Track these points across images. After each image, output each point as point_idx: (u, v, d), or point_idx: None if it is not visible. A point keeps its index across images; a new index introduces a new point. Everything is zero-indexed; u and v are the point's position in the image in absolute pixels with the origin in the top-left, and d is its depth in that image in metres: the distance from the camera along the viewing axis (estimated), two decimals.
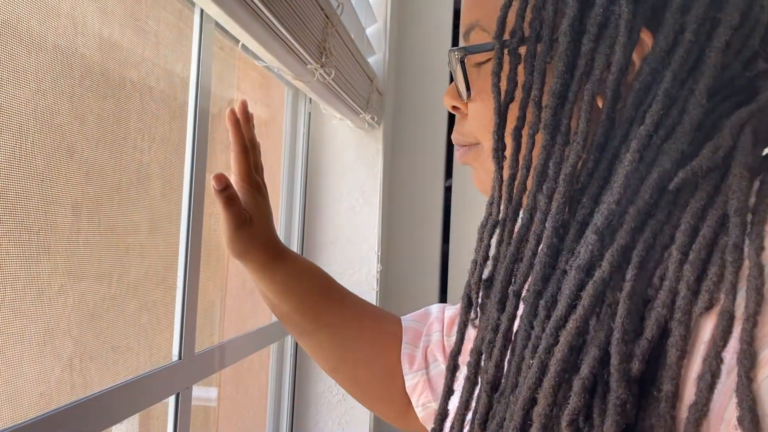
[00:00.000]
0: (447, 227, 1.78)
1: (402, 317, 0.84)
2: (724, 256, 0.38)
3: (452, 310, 0.81)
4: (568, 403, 0.38)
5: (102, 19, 0.74)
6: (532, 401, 0.40)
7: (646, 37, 0.44)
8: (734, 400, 0.34)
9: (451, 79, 0.58)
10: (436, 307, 0.84)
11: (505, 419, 0.43)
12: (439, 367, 0.78)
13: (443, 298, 1.76)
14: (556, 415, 0.39)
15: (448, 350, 0.78)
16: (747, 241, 0.38)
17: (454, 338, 0.77)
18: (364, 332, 0.81)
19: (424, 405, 0.78)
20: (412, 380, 0.79)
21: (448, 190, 1.79)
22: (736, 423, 0.34)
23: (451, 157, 1.72)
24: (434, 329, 0.80)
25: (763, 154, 0.43)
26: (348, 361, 0.81)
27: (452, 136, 0.60)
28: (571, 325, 0.39)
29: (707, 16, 0.43)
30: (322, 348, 0.81)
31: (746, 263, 0.37)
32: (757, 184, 0.41)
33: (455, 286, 1.76)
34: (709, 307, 0.37)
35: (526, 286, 0.45)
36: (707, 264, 0.38)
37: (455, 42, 0.49)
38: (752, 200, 0.40)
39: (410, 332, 0.81)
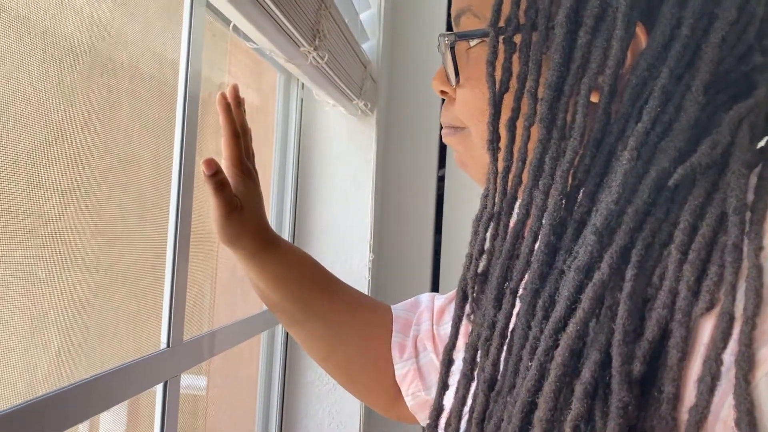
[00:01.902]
0: (439, 217, 1.78)
1: (392, 306, 0.83)
2: (723, 255, 0.38)
3: (442, 300, 0.80)
4: (570, 408, 0.38)
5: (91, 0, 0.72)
6: (532, 404, 0.40)
7: (641, 32, 0.44)
8: (730, 400, 0.34)
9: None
10: (426, 297, 0.83)
11: (502, 420, 0.42)
12: (429, 356, 0.78)
13: (435, 288, 1.75)
14: (557, 419, 0.39)
15: (438, 339, 0.77)
16: (746, 241, 0.38)
17: (443, 327, 0.78)
18: (355, 322, 0.80)
19: (413, 394, 0.78)
20: (402, 369, 0.78)
21: (441, 180, 1.78)
22: (734, 425, 0.34)
23: (445, 146, 1.71)
24: (424, 318, 0.80)
25: (759, 147, 0.43)
26: (338, 351, 0.80)
27: (441, 119, 0.59)
28: (571, 328, 0.39)
29: (704, 10, 0.42)
30: (313, 337, 0.80)
31: (745, 263, 0.37)
32: (754, 179, 0.41)
33: (447, 276, 1.75)
34: (709, 308, 0.37)
35: (522, 284, 0.45)
36: (707, 263, 0.38)
37: (450, 29, 0.48)
38: (750, 197, 0.40)
39: (400, 321, 0.81)
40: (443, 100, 0.59)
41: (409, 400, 0.79)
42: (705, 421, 0.35)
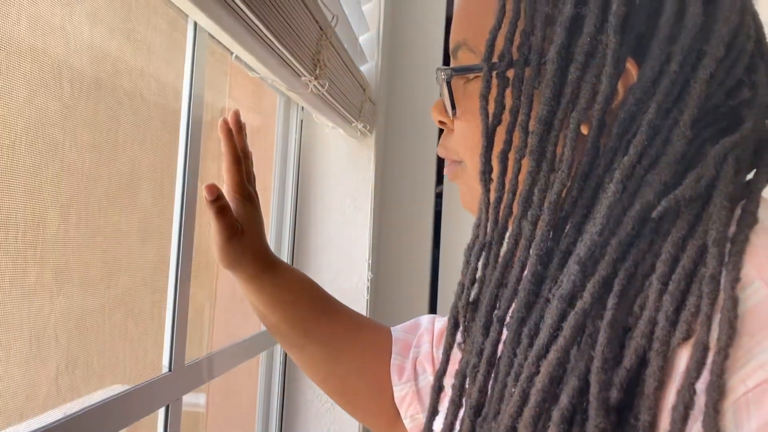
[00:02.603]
0: (437, 234, 1.79)
1: (392, 328, 0.84)
2: (701, 287, 0.39)
3: (442, 322, 0.81)
4: None
5: (94, 27, 0.73)
6: (513, 430, 0.41)
7: (631, 67, 0.45)
8: (698, 427, 0.36)
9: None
10: (426, 319, 0.84)
11: None
12: (428, 379, 0.78)
13: (433, 306, 1.76)
14: None
15: (437, 362, 0.78)
16: (724, 272, 0.39)
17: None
18: (354, 345, 0.81)
19: (412, 416, 0.78)
20: (401, 391, 0.79)
21: (438, 197, 1.79)
22: None
23: (442, 164, 1.72)
24: (424, 341, 0.80)
25: (745, 180, 0.44)
26: (337, 373, 0.81)
27: (438, 150, 0.60)
28: (552, 355, 0.40)
29: (693, 47, 0.43)
30: (312, 360, 0.80)
31: (722, 295, 0.38)
32: (738, 211, 0.41)
33: (445, 295, 1.76)
34: (686, 338, 0.38)
35: (509, 312, 0.46)
36: (686, 294, 0.39)
37: (447, 51, 0.50)
38: (732, 228, 0.41)
39: (400, 343, 0.81)
40: (441, 130, 0.60)
41: (407, 423, 0.79)
42: None
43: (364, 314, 1.35)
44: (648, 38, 0.44)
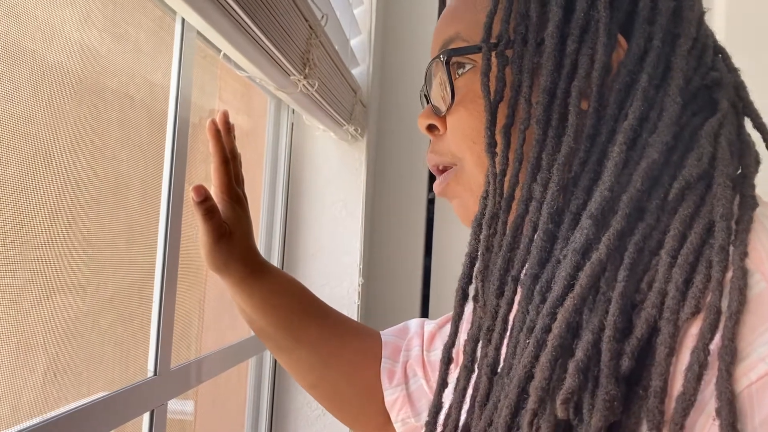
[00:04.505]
0: (429, 240, 1.78)
1: (381, 332, 0.83)
2: (710, 259, 0.40)
3: (431, 325, 0.80)
4: (563, 384, 0.39)
5: (81, 26, 0.72)
6: (528, 378, 0.41)
7: (622, 42, 0.48)
8: (711, 389, 0.36)
9: (427, 101, 0.60)
10: (415, 322, 0.83)
11: (500, 400, 0.43)
12: (419, 382, 0.78)
13: (425, 312, 1.75)
14: (552, 389, 0.40)
15: (428, 365, 0.77)
16: (731, 248, 0.40)
17: (434, 353, 0.77)
18: (344, 350, 0.80)
19: (403, 420, 0.78)
20: (392, 395, 0.78)
21: (431, 203, 1.78)
22: (714, 414, 0.35)
23: None
24: (414, 344, 0.79)
25: (740, 170, 0.45)
26: (327, 378, 0.80)
27: (427, 158, 0.59)
28: (568, 302, 0.41)
29: (669, 29, 0.47)
30: (301, 365, 0.80)
31: (731, 267, 0.39)
32: (738, 198, 0.43)
33: (437, 300, 1.75)
34: (695, 313, 0.39)
35: (523, 271, 0.46)
36: (695, 267, 0.40)
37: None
38: (735, 211, 0.42)
39: (390, 347, 0.80)
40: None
41: (398, 427, 0.78)
42: (691, 409, 0.36)
43: (355, 319, 1.34)
44: (633, 17, 0.48)
